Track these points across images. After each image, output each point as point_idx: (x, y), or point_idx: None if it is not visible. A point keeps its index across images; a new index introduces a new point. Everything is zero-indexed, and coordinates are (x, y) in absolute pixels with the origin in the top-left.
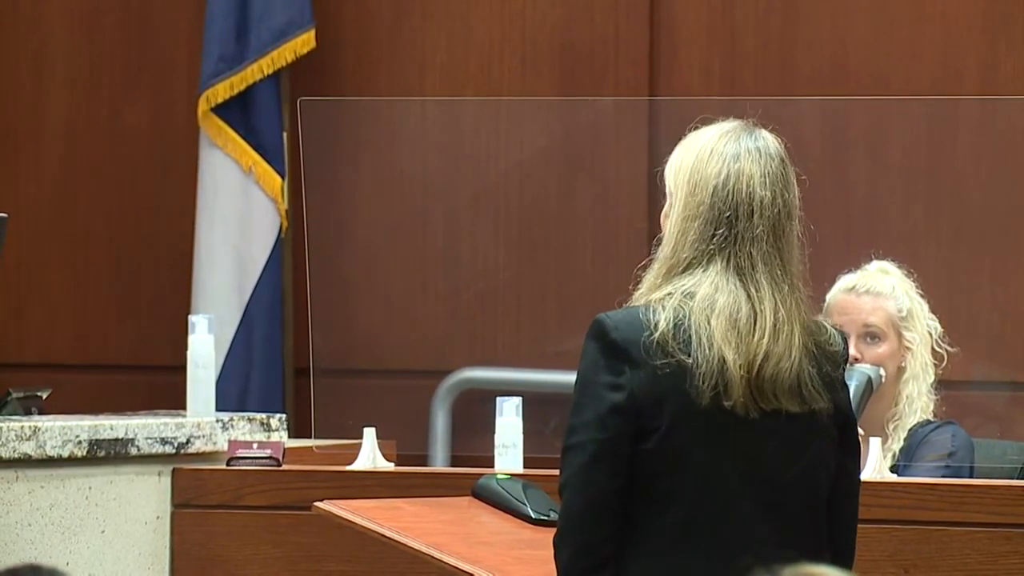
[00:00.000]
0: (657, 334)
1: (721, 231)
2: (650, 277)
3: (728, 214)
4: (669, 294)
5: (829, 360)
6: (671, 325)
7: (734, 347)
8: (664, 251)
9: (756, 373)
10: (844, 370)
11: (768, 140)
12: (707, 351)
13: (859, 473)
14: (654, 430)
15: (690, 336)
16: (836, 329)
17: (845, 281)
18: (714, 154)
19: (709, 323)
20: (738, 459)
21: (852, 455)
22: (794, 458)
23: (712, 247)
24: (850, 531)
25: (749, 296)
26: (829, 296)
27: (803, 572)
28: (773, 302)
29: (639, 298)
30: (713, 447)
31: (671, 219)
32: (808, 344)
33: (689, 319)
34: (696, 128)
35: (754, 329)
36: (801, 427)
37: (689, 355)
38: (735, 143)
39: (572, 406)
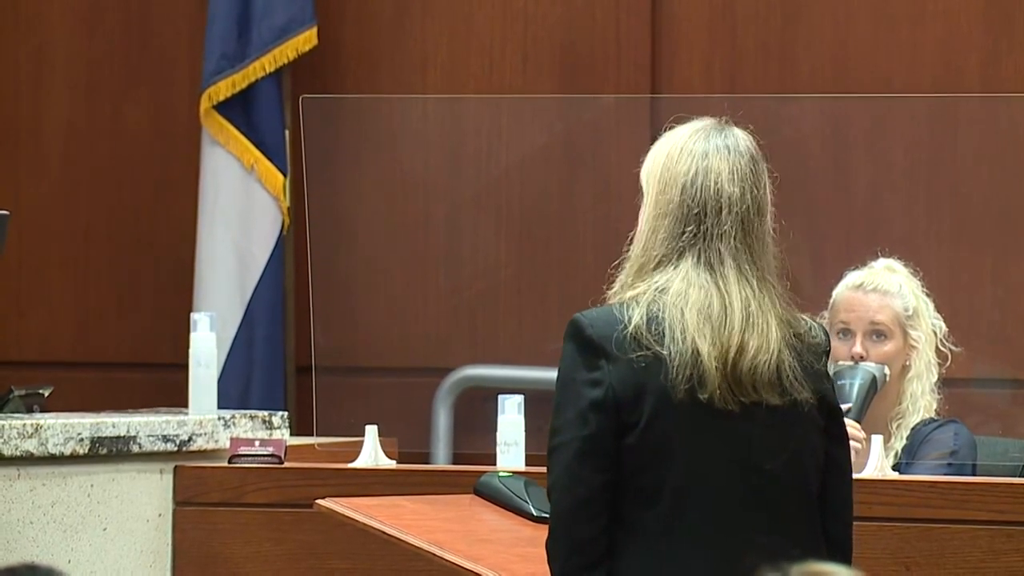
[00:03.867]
0: (631, 328)
1: (690, 228)
2: (622, 276)
3: (697, 211)
4: (643, 292)
5: (811, 351)
6: (645, 319)
7: (708, 340)
8: (635, 249)
9: (732, 366)
10: (827, 361)
11: (739, 137)
12: (680, 343)
13: (850, 464)
14: (634, 424)
15: (664, 328)
16: (816, 322)
17: (852, 278)
18: (683, 152)
19: (683, 315)
20: (721, 450)
21: (840, 445)
22: (778, 447)
23: (682, 244)
24: (845, 524)
25: (719, 290)
26: (835, 292)
27: (811, 571)
28: (743, 295)
29: (612, 297)
30: (694, 439)
31: (641, 217)
32: (787, 336)
33: (663, 313)
34: (671, 128)
35: (726, 322)
36: (783, 417)
37: (663, 347)
38: (704, 141)
39: (554, 407)
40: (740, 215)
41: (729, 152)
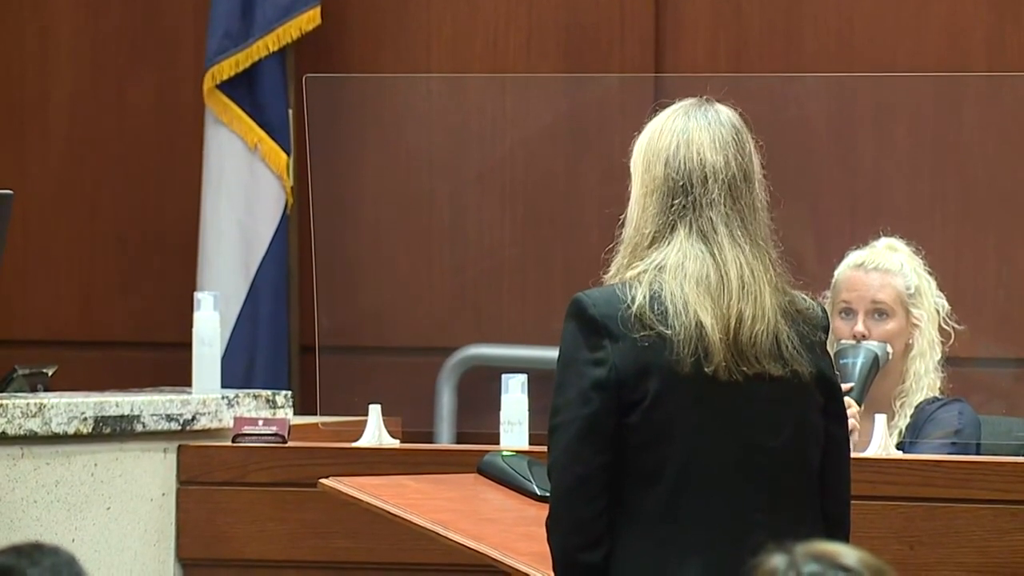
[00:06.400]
0: (635, 307)
1: (679, 200)
2: (617, 258)
3: (682, 182)
4: (643, 271)
5: (807, 322)
6: (647, 298)
7: (710, 311)
8: (627, 231)
9: (734, 336)
10: (825, 335)
11: (720, 111)
12: (684, 317)
13: (848, 442)
14: (637, 402)
15: (666, 307)
16: (812, 298)
17: (854, 257)
18: (664, 131)
19: (683, 289)
20: (724, 427)
21: (839, 423)
22: (781, 424)
23: (673, 217)
24: (843, 503)
25: (714, 258)
26: (837, 272)
27: (817, 550)
28: (737, 263)
29: (611, 279)
30: (698, 416)
31: (631, 198)
32: (783, 304)
33: (664, 290)
34: (655, 113)
35: (724, 291)
36: (785, 391)
37: (667, 326)
38: (684, 117)
39: (555, 387)
40: (727, 182)
41: (709, 123)
